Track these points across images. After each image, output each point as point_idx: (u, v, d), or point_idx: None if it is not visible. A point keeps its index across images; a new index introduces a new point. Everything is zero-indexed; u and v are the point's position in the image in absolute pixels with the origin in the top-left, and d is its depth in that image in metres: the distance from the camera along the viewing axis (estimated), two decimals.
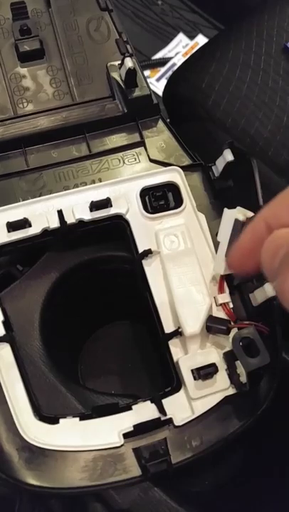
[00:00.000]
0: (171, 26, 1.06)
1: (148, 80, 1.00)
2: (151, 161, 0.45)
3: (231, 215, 0.37)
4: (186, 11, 1.06)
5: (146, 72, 1.03)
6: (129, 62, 0.43)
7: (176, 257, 0.40)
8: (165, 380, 0.41)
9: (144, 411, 0.38)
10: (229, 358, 0.38)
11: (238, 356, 0.37)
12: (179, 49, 1.05)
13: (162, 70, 1.04)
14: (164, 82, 1.01)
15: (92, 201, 0.41)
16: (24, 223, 0.41)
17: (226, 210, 0.38)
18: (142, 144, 0.45)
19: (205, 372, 0.37)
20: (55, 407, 0.39)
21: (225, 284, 0.40)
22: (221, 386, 0.38)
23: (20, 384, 0.38)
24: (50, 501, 0.40)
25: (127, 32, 0.48)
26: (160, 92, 0.95)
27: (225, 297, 0.40)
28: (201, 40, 1.05)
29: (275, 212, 0.26)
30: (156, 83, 1.03)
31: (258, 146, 0.52)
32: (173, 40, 1.05)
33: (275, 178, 0.51)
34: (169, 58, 1.04)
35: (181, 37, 1.06)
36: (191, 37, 1.05)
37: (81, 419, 0.38)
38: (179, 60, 1.03)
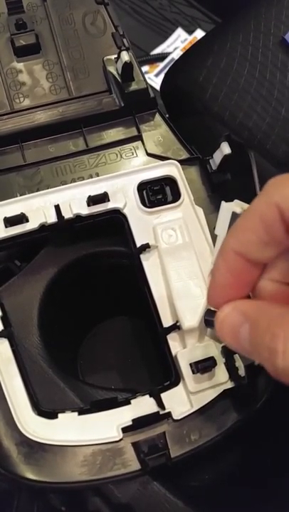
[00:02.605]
0: (170, 21, 1.06)
1: (147, 76, 1.01)
2: (149, 155, 0.45)
3: (229, 208, 0.37)
4: (185, 5, 1.06)
5: (145, 68, 1.03)
6: (125, 56, 0.43)
7: (174, 251, 0.40)
8: (164, 374, 0.41)
9: (143, 405, 0.38)
10: (227, 351, 0.38)
11: None
12: (178, 44, 1.04)
13: (161, 65, 1.03)
14: (162, 77, 1.01)
15: (89, 196, 0.41)
16: (21, 218, 0.40)
17: (223, 203, 0.37)
18: (139, 138, 0.45)
19: (203, 366, 0.37)
20: (53, 401, 0.39)
21: None
22: (219, 380, 0.38)
23: (19, 379, 0.38)
24: (49, 496, 0.40)
25: (126, 27, 0.48)
26: (159, 87, 0.95)
27: None
28: (200, 34, 1.04)
29: (239, 238, 0.26)
30: (155, 78, 1.03)
31: (256, 139, 0.52)
32: (171, 35, 1.05)
33: (273, 171, 0.51)
34: (168, 53, 1.03)
35: (179, 32, 1.05)
36: (190, 32, 1.05)
37: (80, 414, 0.38)
38: (177, 55, 1.03)
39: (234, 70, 0.54)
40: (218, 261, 0.27)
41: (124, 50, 0.44)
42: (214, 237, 0.39)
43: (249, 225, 0.26)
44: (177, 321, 0.39)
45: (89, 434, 0.37)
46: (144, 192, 0.43)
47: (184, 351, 0.39)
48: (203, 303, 0.39)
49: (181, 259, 0.40)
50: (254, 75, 0.54)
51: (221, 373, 0.38)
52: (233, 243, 0.26)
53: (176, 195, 0.43)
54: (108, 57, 0.46)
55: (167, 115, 0.50)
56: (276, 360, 0.23)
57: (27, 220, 0.41)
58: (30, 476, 0.36)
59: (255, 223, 0.25)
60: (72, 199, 0.41)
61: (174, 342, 0.39)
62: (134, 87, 0.45)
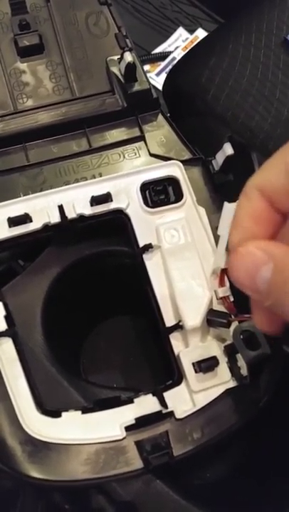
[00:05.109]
0: (171, 20, 1.06)
1: (148, 75, 1.00)
2: (152, 155, 0.45)
3: (231, 208, 0.37)
4: (186, 4, 1.06)
5: (146, 67, 1.03)
6: (128, 57, 0.43)
7: (176, 251, 0.41)
8: (167, 373, 0.41)
9: (146, 404, 0.38)
10: (230, 350, 0.38)
11: (238, 349, 0.37)
12: (179, 43, 1.04)
13: (162, 64, 1.03)
14: (164, 76, 1.01)
15: (92, 196, 0.41)
16: (25, 218, 0.41)
17: (225, 203, 0.38)
18: (142, 138, 0.45)
19: (206, 365, 0.38)
20: (57, 400, 0.39)
21: (225, 277, 0.40)
22: (222, 379, 0.38)
23: (23, 378, 0.38)
24: (53, 494, 0.40)
25: (127, 26, 0.48)
26: (160, 87, 0.95)
27: (225, 291, 0.40)
28: (201, 33, 1.04)
29: (267, 177, 0.24)
30: (156, 78, 1.03)
31: (258, 139, 0.52)
32: (173, 34, 1.05)
33: None
34: (169, 52, 1.03)
35: (180, 31, 1.05)
36: (191, 31, 1.05)
37: (83, 413, 0.38)
38: (178, 55, 1.03)
39: (236, 70, 0.54)
40: (241, 200, 0.25)
41: (127, 50, 0.44)
42: (217, 238, 0.40)
43: (274, 164, 0.24)
44: (180, 321, 0.39)
45: (92, 432, 0.37)
46: (147, 192, 0.43)
47: (186, 350, 0.39)
48: (205, 302, 0.39)
49: (183, 259, 0.40)
50: (256, 76, 0.54)
51: (224, 372, 0.38)
52: (257, 180, 0.24)
53: (179, 196, 0.43)
54: (111, 57, 0.46)
55: (169, 114, 0.50)
56: None
57: (30, 220, 0.41)
58: (35, 474, 0.36)
59: (280, 164, 0.24)
60: (75, 199, 0.42)
61: (176, 341, 0.40)
62: (137, 87, 0.45)
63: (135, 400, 0.38)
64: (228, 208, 0.37)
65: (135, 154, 0.45)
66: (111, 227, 0.43)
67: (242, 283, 0.24)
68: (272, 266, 0.23)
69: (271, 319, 0.26)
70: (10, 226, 0.40)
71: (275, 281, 0.23)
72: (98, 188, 0.42)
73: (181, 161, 0.43)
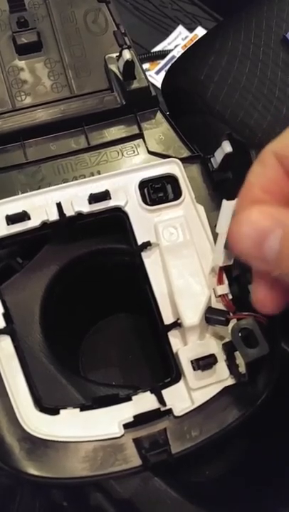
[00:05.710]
0: (171, 18, 1.06)
1: (148, 73, 1.01)
2: (150, 153, 0.45)
3: (230, 206, 0.37)
4: (186, 2, 1.06)
5: (146, 65, 1.03)
6: (127, 54, 0.43)
7: (175, 249, 0.41)
8: (165, 371, 0.41)
9: (144, 401, 0.38)
10: (228, 348, 0.38)
11: (237, 347, 0.37)
12: (179, 41, 1.05)
13: (162, 62, 1.04)
14: (163, 74, 1.00)
15: (91, 194, 0.41)
16: (23, 216, 0.41)
17: (224, 201, 0.38)
18: (140, 136, 0.45)
19: (204, 363, 0.38)
20: (55, 398, 0.39)
21: (224, 275, 0.40)
22: (220, 377, 0.38)
23: (21, 375, 0.38)
24: (51, 491, 0.40)
25: (126, 25, 0.48)
26: (160, 85, 0.95)
27: (224, 288, 0.40)
28: (201, 32, 1.04)
29: (282, 142, 0.22)
30: (156, 76, 1.03)
31: (257, 137, 0.52)
32: (172, 32, 1.05)
33: None
34: (169, 51, 1.03)
35: (180, 29, 1.05)
36: (191, 29, 1.05)
37: (81, 410, 0.38)
38: (178, 53, 1.03)
39: (235, 68, 0.54)
40: (255, 166, 0.23)
41: (125, 48, 0.44)
42: (215, 235, 0.40)
43: None
44: (178, 319, 0.39)
45: (90, 430, 0.37)
46: (146, 190, 0.43)
47: (184, 348, 0.39)
48: (204, 300, 0.39)
49: (182, 257, 0.40)
50: (255, 74, 0.54)
51: (222, 370, 0.38)
52: (276, 145, 0.23)
53: (178, 193, 0.43)
54: (110, 55, 0.46)
55: (168, 112, 0.50)
56: None
57: (29, 218, 0.41)
58: (33, 471, 0.36)
59: None
60: (73, 197, 0.42)
61: (175, 339, 0.40)
62: (135, 85, 0.45)
63: (133, 398, 0.38)
64: (227, 206, 0.37)
65: (134, 152, 0.45)
66: (109, 225, 0.43)
67: (247, 253, 0.23)
68: (282, 233, 0.22)
69: (272, 296, 0.24)
70: (8, 224, 0.40)
71: (286, 249, 0.21)
72: (96, 186, 0.42)
73: (180, 159, 0.43)
